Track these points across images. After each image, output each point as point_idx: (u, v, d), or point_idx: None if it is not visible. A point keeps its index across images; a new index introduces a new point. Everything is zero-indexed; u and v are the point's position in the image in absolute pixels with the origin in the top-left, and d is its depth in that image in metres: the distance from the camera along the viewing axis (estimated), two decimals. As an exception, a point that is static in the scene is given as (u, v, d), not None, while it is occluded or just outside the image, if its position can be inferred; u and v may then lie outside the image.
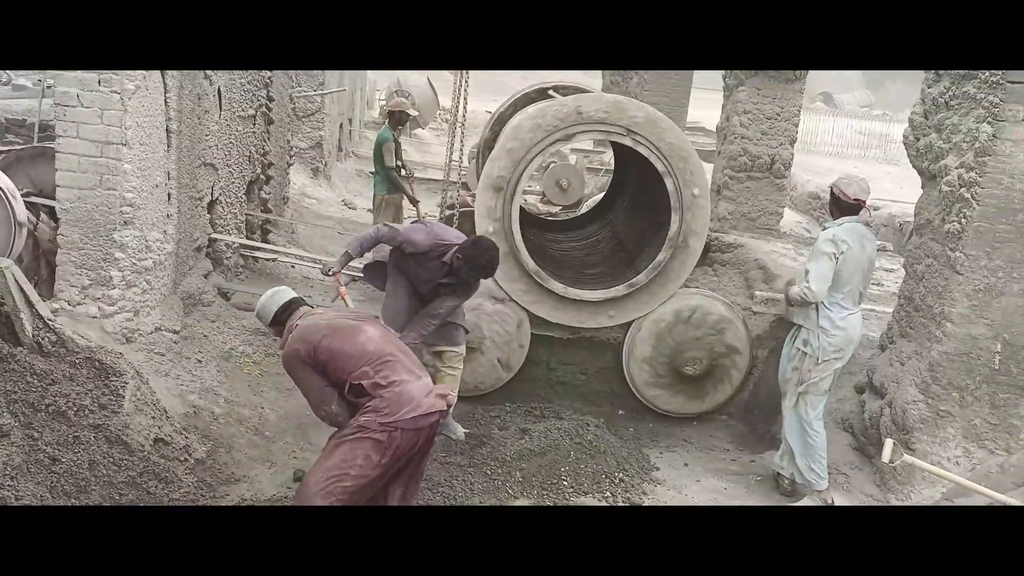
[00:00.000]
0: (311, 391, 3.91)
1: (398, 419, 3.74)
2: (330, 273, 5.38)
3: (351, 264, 5.65)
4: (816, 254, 4.98)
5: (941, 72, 5.24)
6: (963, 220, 4.95)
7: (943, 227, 5.13)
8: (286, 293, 4.16)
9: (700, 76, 11.10)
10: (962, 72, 5.02)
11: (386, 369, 3.83)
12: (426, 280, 5.27)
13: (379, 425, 3.74)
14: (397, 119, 9.29)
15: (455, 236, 5.28)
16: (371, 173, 9.83)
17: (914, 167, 5.57)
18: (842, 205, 5.05)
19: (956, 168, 5.02)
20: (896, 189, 15.26)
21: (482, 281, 5.36)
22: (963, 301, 4.99)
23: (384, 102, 22.56)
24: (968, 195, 4.91)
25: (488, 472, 5.10)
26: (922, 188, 5.51)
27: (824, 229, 5.14)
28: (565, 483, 5.06)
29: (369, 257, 5.57)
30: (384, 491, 3.99)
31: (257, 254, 7.72)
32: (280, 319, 4.08)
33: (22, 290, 4.58)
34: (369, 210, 13.24)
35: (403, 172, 9.27)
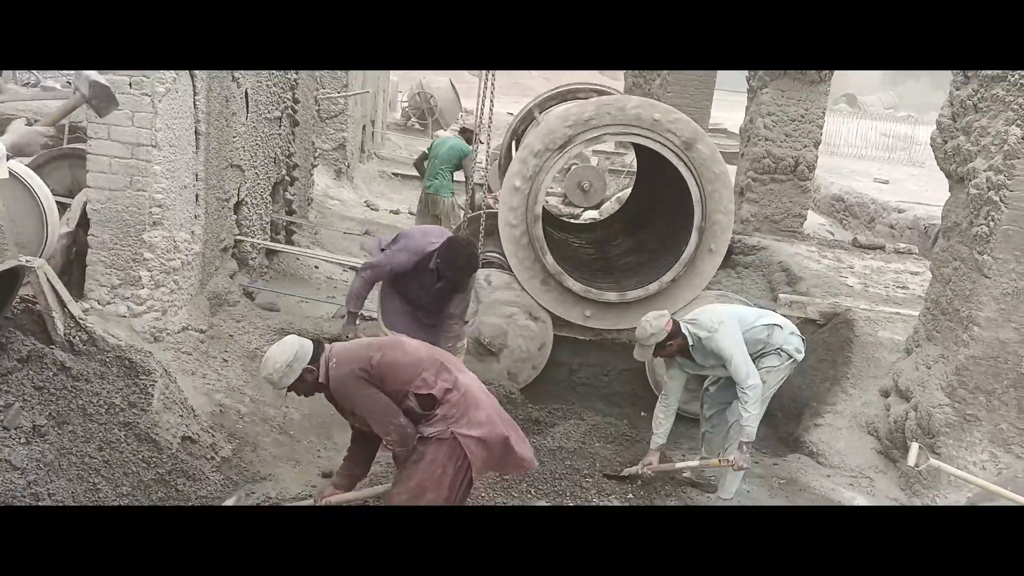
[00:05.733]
0: (377, 408, 3.66)
1: (467, 428, 3.67)
2: (349, 338, 4.84)
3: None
4: (734, 353, 4.73)
5: (969, 74, 5.19)
6: (991, 223, 4.91)
7: (971, 230, 5.09)
8: (305, 340, 3.84)
9: (723, 78, 11.03)
10: (991, 74, 4.97)
11: (444, 372, 3.75)
12: (423, 292, 5.11)
13: (451, 433, 3.66)
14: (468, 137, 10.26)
15: (437, 236, 5.11)
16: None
17: (942, 170, 5.53)
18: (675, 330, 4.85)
19: (984, 171, 4.97)
20: (921, 192, 15.13)
21: (520, 296, 5.22)
22: (991, 305, 4.95)
23: (406, 104, 22.66)
24: (996, 198, 4.87)
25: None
26: (950, 191, 5.46)
27: (705, 336, 4.81)
28: (587, 484, 5.07)
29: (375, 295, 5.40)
30: None
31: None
32: (317, 352, 3.76)
33: (54, 289, 4.65)
34: (392, 211, 13.38)
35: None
